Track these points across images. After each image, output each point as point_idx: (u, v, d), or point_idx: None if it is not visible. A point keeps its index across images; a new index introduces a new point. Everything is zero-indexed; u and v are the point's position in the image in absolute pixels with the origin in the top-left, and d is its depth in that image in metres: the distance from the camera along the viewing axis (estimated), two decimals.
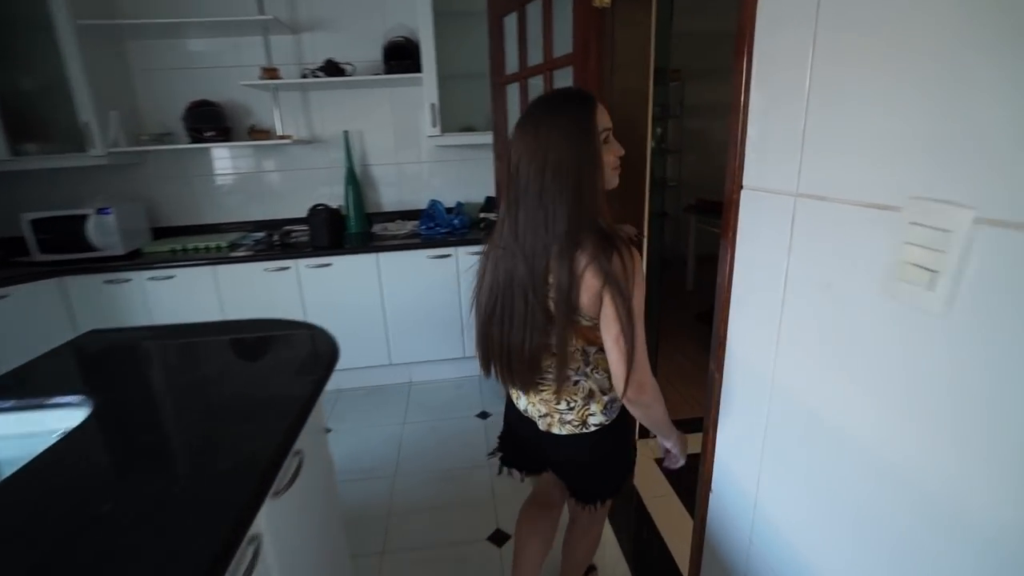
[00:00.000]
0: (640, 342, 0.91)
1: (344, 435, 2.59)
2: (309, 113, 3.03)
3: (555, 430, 1.08)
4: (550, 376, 1.03)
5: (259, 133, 2.86)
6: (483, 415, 2.71)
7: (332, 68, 2.75)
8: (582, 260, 0.89)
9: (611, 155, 0.98)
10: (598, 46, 1.63)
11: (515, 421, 1.20)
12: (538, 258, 0.93)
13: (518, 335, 0.98)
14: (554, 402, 1.06)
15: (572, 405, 1.05)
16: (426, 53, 2.70)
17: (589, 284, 0.90)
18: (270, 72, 2.71)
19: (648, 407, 0.99)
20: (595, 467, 1.14)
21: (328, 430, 2.60)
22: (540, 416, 1.10)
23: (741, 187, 0.87)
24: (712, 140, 4.82)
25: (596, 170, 0.92)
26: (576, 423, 1.06)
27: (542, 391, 1.07)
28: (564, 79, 1.79)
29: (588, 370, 1.04)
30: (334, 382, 3.13)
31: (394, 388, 3.04)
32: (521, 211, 0.94)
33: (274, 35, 2.81)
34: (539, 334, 0.96)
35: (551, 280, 0.93)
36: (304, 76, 2.76)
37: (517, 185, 0.94)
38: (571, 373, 1.03)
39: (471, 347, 2.99)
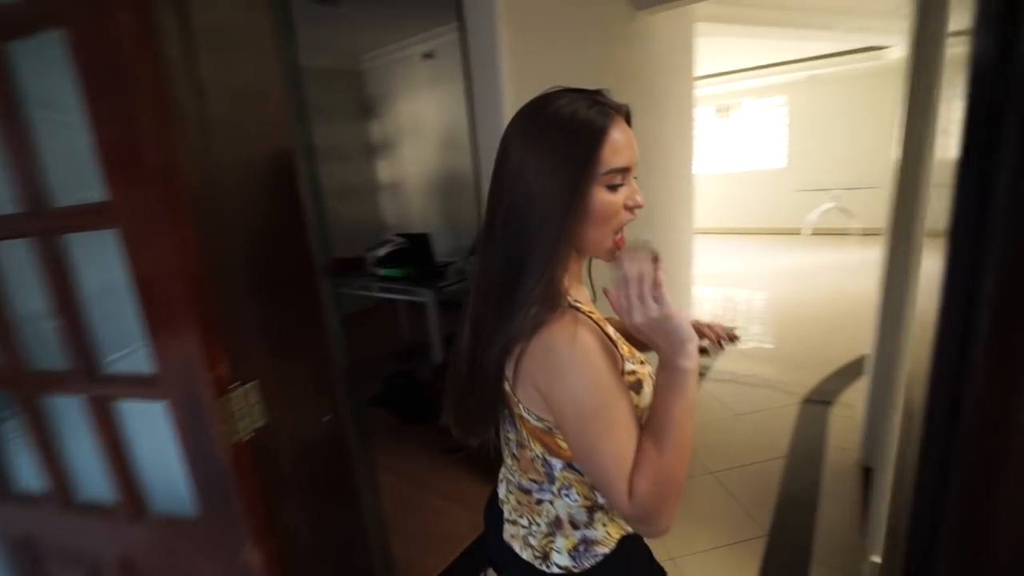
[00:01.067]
0: (610, 457, 0.61)
1: None
2: None
3: (516, 547, 0.79)
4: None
5: None
6: None
7: None
8: (506, 340, 0.65)
9: (613, 207, 0.66)
10: None
11: (488, 518, 0.88)
12: (480, 323, 0.70)
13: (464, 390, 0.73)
14: (516, 512, 0.80)
15: (534, 528, 0.77)
16: None
17: (520, 374, 0.66)
18: None
19: (667, 504, 0.61)
20: None
21: None
22: (507, 520, 0.82)
23: None
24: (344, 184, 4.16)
25: (563, 230, 0.64)
26: (538, 553, 0.76)
27: (510, 479, 0.81)
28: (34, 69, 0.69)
29: (555, 489, 0.74)
30: None
31: None
32: (478, 257, 0.71)
33: None
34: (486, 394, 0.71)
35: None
36: None
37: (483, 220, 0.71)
38: (532, 486, 0.76)
39: None
